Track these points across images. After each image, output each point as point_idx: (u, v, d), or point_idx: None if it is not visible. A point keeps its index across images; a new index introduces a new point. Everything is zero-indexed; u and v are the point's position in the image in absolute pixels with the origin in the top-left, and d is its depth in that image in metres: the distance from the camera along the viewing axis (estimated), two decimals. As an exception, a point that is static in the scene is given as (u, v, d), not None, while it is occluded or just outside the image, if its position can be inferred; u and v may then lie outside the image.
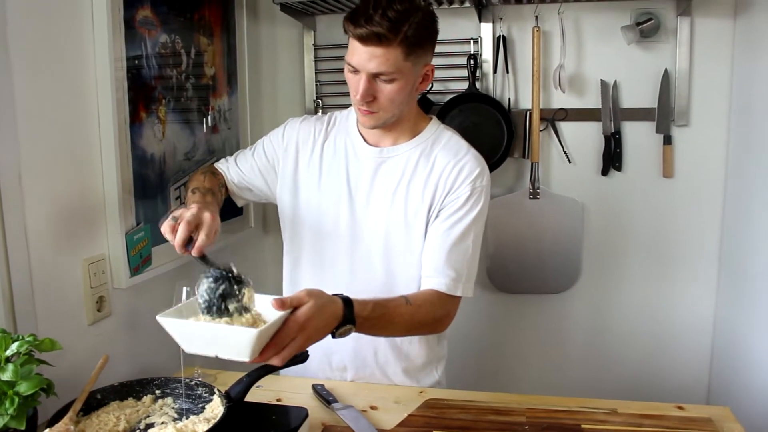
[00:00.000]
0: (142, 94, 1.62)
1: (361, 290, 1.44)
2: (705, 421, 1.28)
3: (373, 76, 1.28)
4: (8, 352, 1.08)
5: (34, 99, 1.31)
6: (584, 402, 1.37)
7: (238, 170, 1.56)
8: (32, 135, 1.30)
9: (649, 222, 2.22)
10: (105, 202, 1.53)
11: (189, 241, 1.17)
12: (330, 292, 1.46)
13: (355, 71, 1.30)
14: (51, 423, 1.08)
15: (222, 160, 1.62)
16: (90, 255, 1.48)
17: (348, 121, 1.50)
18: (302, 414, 1.24)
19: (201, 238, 1.16)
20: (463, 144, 1.45)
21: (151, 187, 1.67)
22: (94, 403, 1.20)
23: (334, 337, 1.15)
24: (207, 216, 1.19)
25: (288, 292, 1.57)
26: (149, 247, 1.65)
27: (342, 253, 1.46)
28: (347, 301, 1.16)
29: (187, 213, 1.18)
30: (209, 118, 1.95)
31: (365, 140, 1.45)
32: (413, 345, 1.51)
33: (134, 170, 1.60)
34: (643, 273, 2.25)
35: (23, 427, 1.05)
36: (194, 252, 1.16)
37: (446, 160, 1.41)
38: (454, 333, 2.40)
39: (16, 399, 1.05)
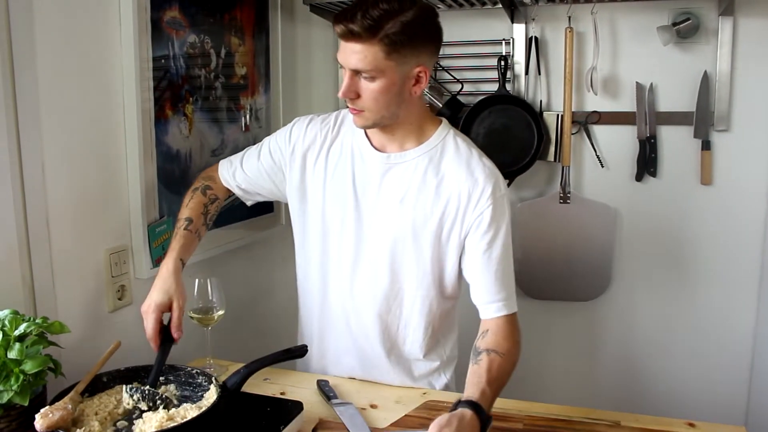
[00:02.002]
0: (168, 92, 1.67)
1: (365, 295, 1.47)
2: (712, 440, 1.22)
3: (355, 73, 1.28)
4: (17, 332, 1.15)
5: (59, 94, 1.37)
6: (588, 413, 1.33)
7: (245, 175, 1.56)
8: (56, 128, 1.37)
9: (685, 230, 2.13)
10: (128, 195, 1.59)
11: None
12: (337, 294, 1.50)
13: (343, 67, 1.31)
14: (54, 401, 1.14)
15: (226, 162, 1.61)
16: (112, 245, 1.55)
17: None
18: (297, 408, 1.27)
19: (173, 326, 1.34)
20: (474, 152, 1.41)
21: (176, 181, 1.72)
22: (100, 385, 1.25)
23: None
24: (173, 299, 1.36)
25: (300, 292, 1.60)
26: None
27: (348, 257, 1.46)
28: (474, 406, 1.14)
29: (150, 321, 1.32)
30: (240, 116, 2.00)
31: (371, 143, 1.43)
32: (421, 351, 1.50)
33: (158, 165, 1.65)
34: (678, 284, 2.17)
35: (26, 404, 1.11)
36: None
37: (457, 172, 1.37)
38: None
39: (21, 376, 1.11)
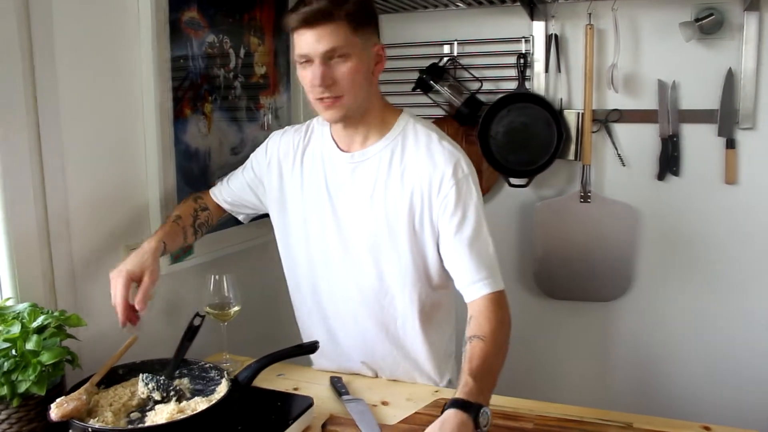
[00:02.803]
0: (187, 91, 1.70)
1: (355, 298, 1.47)
2: (727, 443, 1.20)
3: (327, 58, 1.26)
4: (35, 324, 1.18)
5: (79, 93, 1.41)
6: (599, 413, 1.31)
7: (230, 189, 1.62)
8: (76, 127, 1.40)
9: (709, 230, 2.09)
10: (147, 192, 1.63)
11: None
12: (331, 302, 1.51)
13: (307, 62, 1.29)
14: (70, 392, 1.17)
15: (217, 182, 1.68)
16: (131, 242, 1.57)
17: (324, 126, 1.48)
18: (307, 403, 1.28)
19: (138, 297, 1.30)
20: (433, 136, 1.39)
21: (195, 179, 1.75)
22: (116, 377, 1.28)
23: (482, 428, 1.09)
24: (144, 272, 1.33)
25: (295, 303, 1.61)
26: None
27: (333, 261, 1.47)
28: (459, 404, 1.08)
29: (118, 286, 1.30)
30: (260, 115, 2.03)
31: (338, 146, 1.44)
32: (419, 345, 1.49)
33: (177, 163, 1.68)
34: (701, 286, 2.13)
35: (43, 393, 1.13)
36: (137, 304, 1.30)
37: (418, 159, 1.36)
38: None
39: (39, 367, 1.14)
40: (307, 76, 1.30)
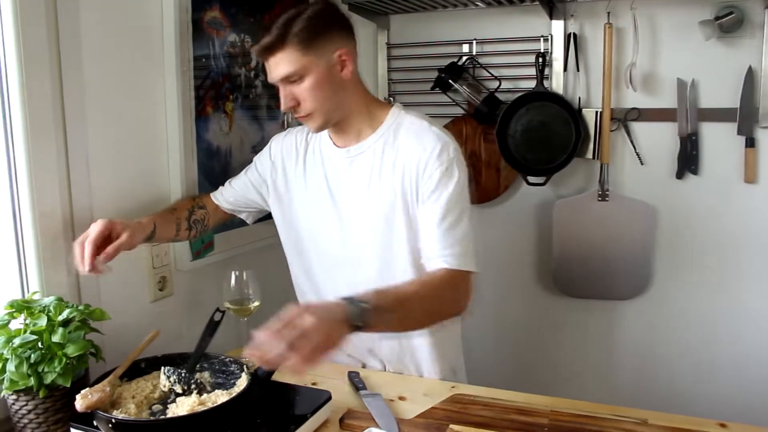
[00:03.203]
0: (209, 90, 1.73)
1: (357, 284, 1.46)
2: (744, 441, 1.20)
3: (286, 83, 1.35)
4: (61, 318, 1.21)
5: (104, 92, 1.45)
6: (614, 410, 1.31)
7: (233, 190, 1.65)
8: (101, 124, 1.44)
9: (728, 230, 2.08)
10: (170, 189, 1.66)
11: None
12: (329, 288, 1.52)
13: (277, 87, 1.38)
14: (94, 384, 1.20)
15: (221, 187, 1.70)
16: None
17: None
18: (325, 396, 1.30)
19: (109, 248, 1.28)
20: (424, 124, 1.42)
21: (216, 176, 1.78)
22: (138, 370, 1.31)
23: (358, 329, 1.08)
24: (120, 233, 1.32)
25: (297, 290, 1.65)
26: (212, 234, 1.77)
27: (335, 250, 1.50)
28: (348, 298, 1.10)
29: (95, 230, 1.28)
30: (280, 113, 2.05)
31: (335, 144, 1.49)
32: (422, 336, 1.51)
33: (199, 161, 1.72)
34: (720, 284, 2.12)
35: (68, 385, 1.17)
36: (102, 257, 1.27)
37: (409, 143, 1.40)
38: (513, 334, 2.40)
39: (64, 359, 1.18)
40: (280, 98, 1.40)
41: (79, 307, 1.26)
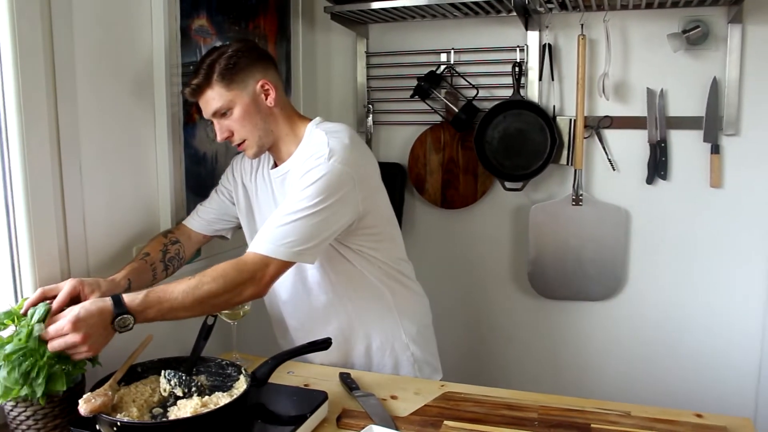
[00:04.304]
0: (196, 97, 1.75)
1: (299, 305, 1.63)
2: (719, 430, 1.27)
3: (218, 117, 1.49)
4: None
5: (95, 99, 1.45)
6: (599, 404, 1.38)
7: (208, 209, 1.70)
8: (92, 130, 1.44)
9: (695, 232, 2.18)
10: (158, 196, 1.67)
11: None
12: (290, 316, 1.67)
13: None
14: (93, 389, 1.20)
15: (193, 212, 1.72)
16: (143, 243, 1.62)
17: None
18: (321, 397, 1.32)
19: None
20: (330, 128, 1.50)
21: (203, 183, 1.79)
22: (135, 375, 1.32)
23: (118, 330, 1.20)
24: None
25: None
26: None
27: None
28: (116, 298, 1.21)
29: (63, 292, 1.26)
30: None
31: (275, 164, 1.60)
32: (367, 326, 1.62)
33: (186, 167, 1.73)
34: (690, 283, 2.21)
35: (64, 389, 1.17)
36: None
37: (307, 153, 1.47)
38: (490, 336, 2.46)
39: (60, 365, 1.17)
40: None
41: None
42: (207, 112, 1.50)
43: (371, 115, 2.45)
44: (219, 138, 1.51)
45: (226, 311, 1.58)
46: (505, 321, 2.46)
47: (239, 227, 1.73)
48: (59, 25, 1.33)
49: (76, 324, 1.14)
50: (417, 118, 2.40)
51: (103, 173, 1.49)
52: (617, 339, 2.32)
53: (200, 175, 1.79)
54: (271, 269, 1.35)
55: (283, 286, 1.61)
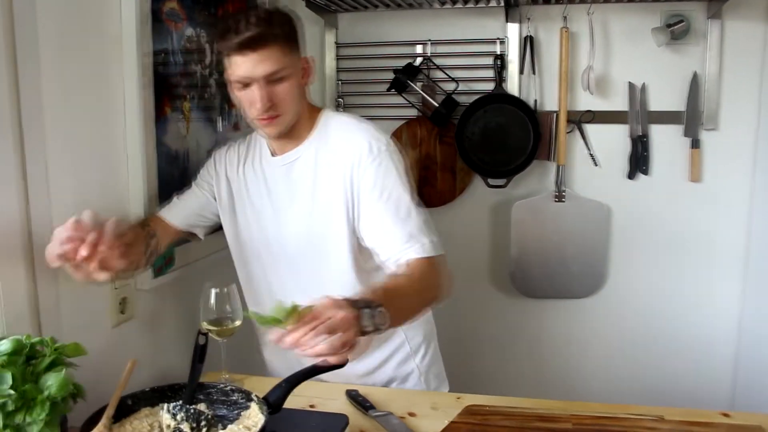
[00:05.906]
0: (167, 89, 1.57)
1: (300, 290, 1.39)
2: (756, 429, 1.23)
3: (266, 82, 1.29)
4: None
5: (61, 92, 1.26)
6: (628, 408, 1.32)
7: (184, 204, 1.55)
8: (59, 127, 1.26)
9: (676, 226, 2.20)
10: (129, 200, 1.49)
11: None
12: (277, 293, 1.45)
13: (245, 86, 1.30)
14: (84, 429, 1.03)
15: (169, 205, 1.57)
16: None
17: (262, 137, 1.49)
18: (342, 421, 1.21)
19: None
20: (353, 122, 1.44)
21: (175, 184, 1.62)
22: (125, 408, 1.15)
23: (371, 331, 1.08)
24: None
25: (246, 298, 1.56)
26: (172, 248, 1.60)
27: (278, 257, 1.46)
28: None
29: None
30: (232, 114, 1.91)
31: (272, 153, 1.47)
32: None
33: (159, 167, 1.55)
34: (671, 277, 2.24)
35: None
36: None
37: (340, 144, 1.40)
38: (474, 336, 2.39)
39: (47, 403, 0.99)
40: (246, 99, 1.32)
41: (54, 346, 1.07)
42: (255, 73, 1.27)
43: (342, 110, 2.32)
44: (260, 106, 1.29)
45: (215, 327, 1.42)
46: (487, 322, 2.41)
47: (213, 231, 1.59)
48: (21, 11, 1.14)
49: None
50: (391, 113, 2.30)
51: (70, 173, 1.30)
52: (601, 335, 2.32)
53: (173, 174, 1.62)
54: (446, 269, 1.34)
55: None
